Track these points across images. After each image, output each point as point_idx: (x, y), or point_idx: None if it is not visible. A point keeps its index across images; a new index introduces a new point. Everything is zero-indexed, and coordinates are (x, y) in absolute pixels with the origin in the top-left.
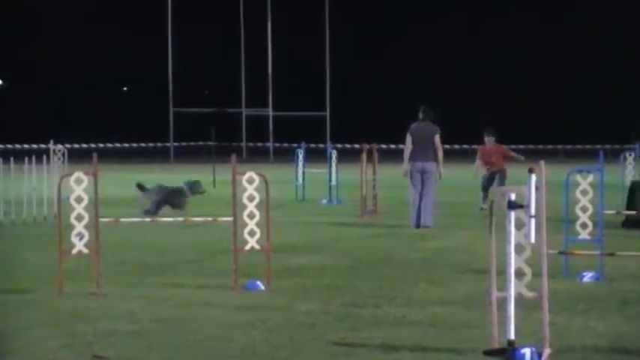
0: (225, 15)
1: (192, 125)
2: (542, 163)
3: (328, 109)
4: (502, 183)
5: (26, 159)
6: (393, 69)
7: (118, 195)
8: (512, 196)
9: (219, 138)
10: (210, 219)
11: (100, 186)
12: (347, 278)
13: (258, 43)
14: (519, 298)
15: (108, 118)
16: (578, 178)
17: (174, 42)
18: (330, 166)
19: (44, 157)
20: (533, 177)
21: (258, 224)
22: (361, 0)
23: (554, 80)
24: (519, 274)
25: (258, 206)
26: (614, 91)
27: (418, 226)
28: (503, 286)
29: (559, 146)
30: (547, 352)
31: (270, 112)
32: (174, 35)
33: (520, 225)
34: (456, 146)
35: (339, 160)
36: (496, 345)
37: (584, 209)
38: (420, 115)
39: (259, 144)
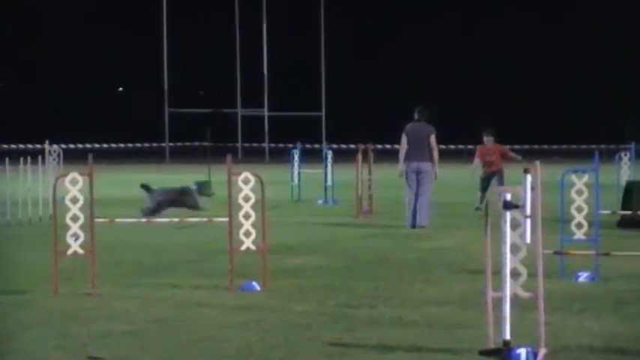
0: (220, 15)
1: (188, 126)
2: (537, 163)
3: (324, 110)
4: (501, 183)
5: (21, 159)
6: (389, 70)
7: (114, 195)
8: (508, 197)
9: (215, 138)
10: (205, 219)
11: (95, 186)
12: (342, 279)
13: (254, 43)
14: (515, 298)
15: (103, 119)
16: (574, 178)
17: (169, 42)
18: (326, 167)
19: (39, 157)
20: (529, 177)
21: (253, 225)
22: (357, 2)
23: (550, 81)
24: (515, 274)
25: (253, 207)
26: (609, 91)
27: (414, 226)
28: (498, 286)
29: (554, 146)
30: (542, 352)
31: (266, 113)
32: (169, 36)
33: (515, 225)
34: (452, 146)
35: (335, 160)
36: (492, 345)
37: (579, 209)
38: (416, 116)
39: (255, 144)
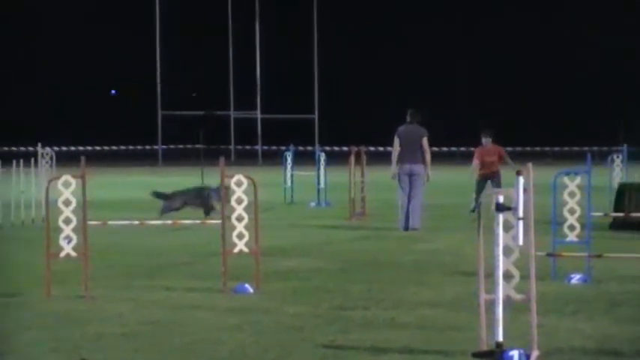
0: (213, 17)
1: (181, 128)
2: (529, 165)
3: (317, 112)
4: (498, 186)
5: (14, 162)
6: (382, 73)
7: (107, 198)
8: (501, 199)
9: (208, 141)
10: (198, 222)
11: (88, 189)
12: (336, 281)
13: (247, 45)
14: (507, 301)
15: (96, 121)
16: (566, 180)
17: (162, 44)
18: (319, 169)
19: (32, 160)
20: (521, 179)
21: (246, 227)
22: (352, 2)
23: (546, 83)
24: (507, 276)
25: (246, 209)
26: (601, 94)
27: (406, 228)
28: (491, 288)
29: (547, 148)
30: (535, 354)
31: (259, 115)
32: (162, 38)
33: (508, 227)
34: (444, 149)
35: (328, 162)
36: (484, 347)
37: (571, 211)
38: (408, 118)
39: (248, 147)
